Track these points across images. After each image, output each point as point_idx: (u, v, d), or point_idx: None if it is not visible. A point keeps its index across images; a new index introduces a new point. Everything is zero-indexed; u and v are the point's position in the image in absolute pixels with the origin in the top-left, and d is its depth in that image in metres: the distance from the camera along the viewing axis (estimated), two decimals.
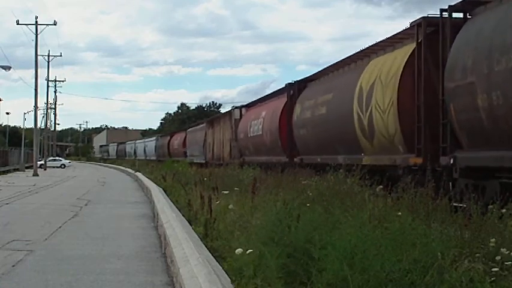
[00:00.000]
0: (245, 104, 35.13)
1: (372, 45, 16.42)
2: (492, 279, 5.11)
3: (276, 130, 24.87)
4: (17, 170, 57.94)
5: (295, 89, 23.42)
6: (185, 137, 55.17)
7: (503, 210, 6.92)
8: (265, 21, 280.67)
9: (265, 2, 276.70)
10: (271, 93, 29.73)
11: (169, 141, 63.73)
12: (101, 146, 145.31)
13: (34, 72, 52.36)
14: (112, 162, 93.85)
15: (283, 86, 25.85)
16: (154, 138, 76.61)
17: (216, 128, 40.30)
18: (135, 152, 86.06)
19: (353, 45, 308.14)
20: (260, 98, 32.28)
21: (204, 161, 41.66)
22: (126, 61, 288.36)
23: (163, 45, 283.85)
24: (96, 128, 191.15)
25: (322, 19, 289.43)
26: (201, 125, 48.20)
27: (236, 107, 35.27)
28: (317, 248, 5.40)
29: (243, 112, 33.51)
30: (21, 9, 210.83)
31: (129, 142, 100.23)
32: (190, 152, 50.89)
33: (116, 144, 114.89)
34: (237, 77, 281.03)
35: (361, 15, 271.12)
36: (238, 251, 6.26)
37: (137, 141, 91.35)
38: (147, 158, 73.20)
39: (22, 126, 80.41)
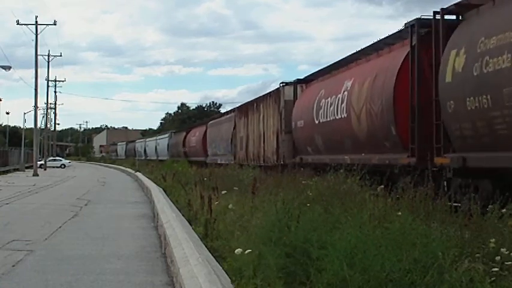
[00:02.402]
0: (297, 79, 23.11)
1: None
2: (492, 279, 5.11)
3: (387, 107, 13.86)
4: (17, 170, 57.96)
5: (438, 27, 12.13)
6: (205, 131, 44.10)
7: (503, 210, 6.92)
8: (268, 20, 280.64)
9: (268, 2, 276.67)
10: (362, 49, 17.01)
11: (185, 137, 52.65)
12: (102, 146, 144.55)
13: (34, 72, 52.53)
14: (112, 162, 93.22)
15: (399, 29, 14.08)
16: (167, 135, 64.95)
17: (252, 117, 29.69)
18: (145, 152, 76.85)
19: (355, 45, 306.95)
20: (333, 64, 19.40)
21: (232, 162, 31.00)
22: (127, 61, 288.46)
23: (164, 45, 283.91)
24: (96, 128, 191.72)
25: (325, 19, 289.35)
26: (228, 115, 37.78)
27: (287, 83, 23.63)
28: (316, 248, 5.40)
29: (298, 90, 22.72)
30: (22, 9, 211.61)
31: (138, 141, 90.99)
32: (213, 151, 40.76)
33: (124, 143, 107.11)
34: (238, 76, 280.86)
35: (363, 15, 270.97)
36: (238, 251, 6.26)
37: (147, 140, 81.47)
38: (159, 158, 62.70)
39: (22, 126, 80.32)
